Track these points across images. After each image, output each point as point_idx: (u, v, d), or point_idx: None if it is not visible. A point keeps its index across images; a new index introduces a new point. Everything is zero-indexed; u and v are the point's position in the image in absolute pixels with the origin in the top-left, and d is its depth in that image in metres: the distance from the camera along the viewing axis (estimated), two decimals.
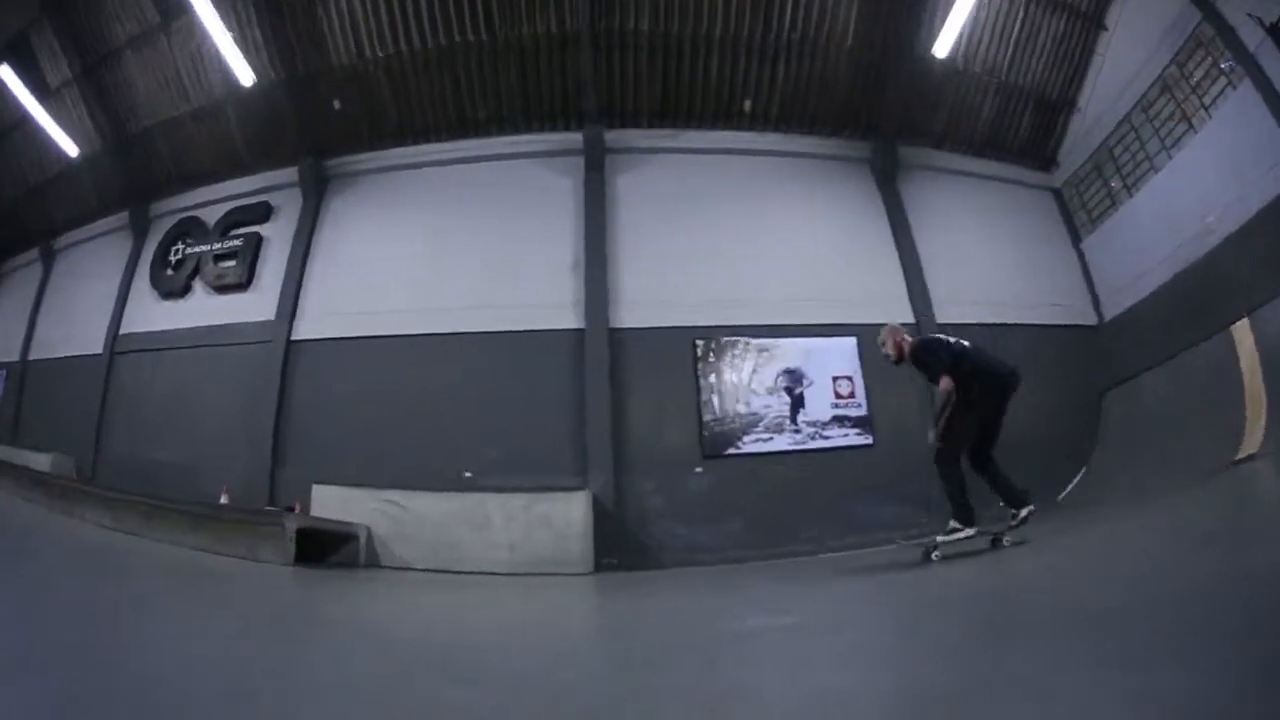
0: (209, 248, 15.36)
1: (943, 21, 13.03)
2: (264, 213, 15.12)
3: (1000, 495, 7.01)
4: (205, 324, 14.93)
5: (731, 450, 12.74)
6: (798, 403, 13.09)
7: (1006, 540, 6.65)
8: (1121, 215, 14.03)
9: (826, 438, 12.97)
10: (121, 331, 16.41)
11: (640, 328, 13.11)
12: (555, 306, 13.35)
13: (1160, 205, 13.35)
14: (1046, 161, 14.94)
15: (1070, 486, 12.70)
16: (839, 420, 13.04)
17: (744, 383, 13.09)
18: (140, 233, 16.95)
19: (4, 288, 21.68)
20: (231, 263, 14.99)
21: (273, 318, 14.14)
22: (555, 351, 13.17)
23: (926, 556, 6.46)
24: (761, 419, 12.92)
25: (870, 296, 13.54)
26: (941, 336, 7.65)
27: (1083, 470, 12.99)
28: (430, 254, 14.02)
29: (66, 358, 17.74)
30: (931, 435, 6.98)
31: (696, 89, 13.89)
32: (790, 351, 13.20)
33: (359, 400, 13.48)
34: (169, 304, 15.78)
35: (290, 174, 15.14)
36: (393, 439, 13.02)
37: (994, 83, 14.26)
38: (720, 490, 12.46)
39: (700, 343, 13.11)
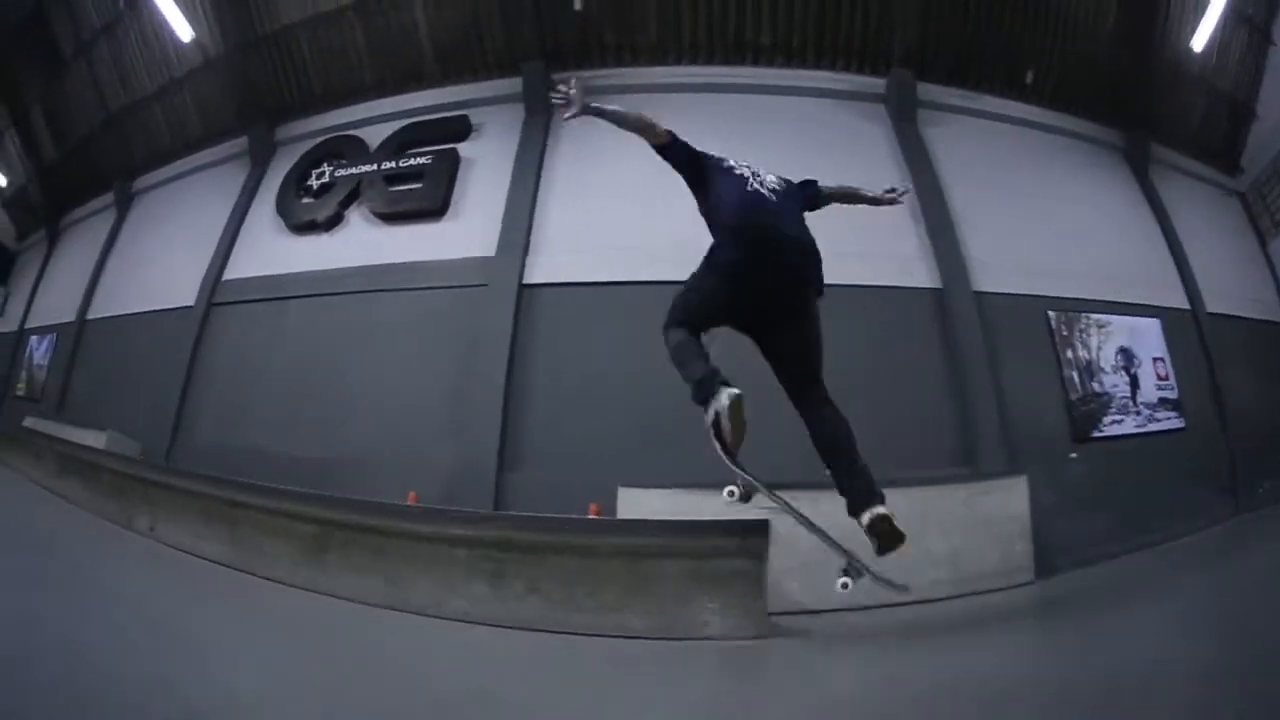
0: (374, 168, 6.65)
1: (1196, 14, 7.30)
2: (461, 129, 6.65)
3: (834, 476, 2.08)
4: (367, 263, 6.31)
5: (1096, 434, 6.22)
6: (1134, 383, 6.70)
7: (846, 580, 2.04)
8: None
9: (1158, 420, 6.68)
10: (226, 277, 7.34)
11: (998, 293, 6.11)
12: (898, 259, 6.06)
13: None
14: (1232, 166, 9.09)
15: None
16: (1163, 402, 6.75)
17: (1095, 360, 6.50)
18: (261, 159, 7.72)
19: (64, 242, 11.72)
20: (414, 184, 6.40)
21: (492, 253, 5.85)
22: (908, 311, 5.93)
23: None
24: (1112, 399, 6.48)
25: (1155, 280, 7.17)
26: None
27: None
28: (673, 188, 6.53)
29: (140, 314, 8.05)
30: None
31: (989, 48, 7.06)
32: (1121, 329, 6.71)
33: (628, 369, 5.27)
34: (306, 240, 6.85)
35: (503, 86, 6.76)
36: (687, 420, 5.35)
37: (1204, 84, 8.39)
38: (1093, 478, 5.79)
39: (1052, 314, 6.37)
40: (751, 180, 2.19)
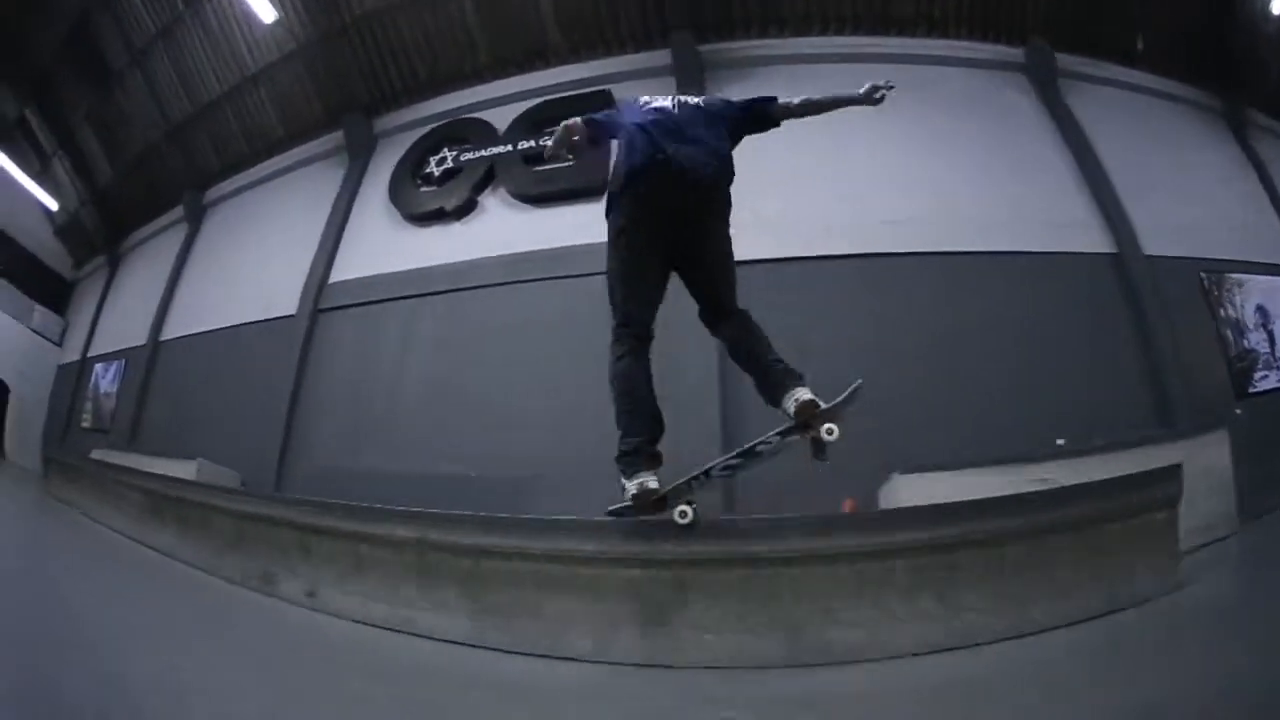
0: (508, 149, 4.86)
1: None
2: (603, 104, 4.16)
3: (755, 379, 1.63)
4: (511, 250, 4.47)
5: (1251, 389, 4.97)
6: (1271, 339, 5.41)
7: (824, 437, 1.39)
8: None
9: None
10: (332, 280, 5.43)
11: (1162, 255, 4.80)
12: (1070, 226, 4.68)
13: None
14: None
15: None
16: None
17: (1241, 318, 5.28)
18: (361, 153, 5.75)
19: (127, 265, 9.10)
20: (563, 163, 4.73)
21: None
22: (1082, 276, 4.54)
23: None
24: (1259, 355, 5.25)
25: (1272, 239, 5.76)
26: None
27: None
28: (867, 159, 4.62)
29: (226, 329, 5.96)
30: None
31: (1106, 15, 5.72)
32: (1255, 287, 5.45)
33: (845, 346, 3.83)
34: (430, 231, 4.94)
35: (638, 60, 5.06)
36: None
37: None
38: (1253, 432, 4.16)
39: (1204, 275, 5.11)
40: (652, 103, 1.72)
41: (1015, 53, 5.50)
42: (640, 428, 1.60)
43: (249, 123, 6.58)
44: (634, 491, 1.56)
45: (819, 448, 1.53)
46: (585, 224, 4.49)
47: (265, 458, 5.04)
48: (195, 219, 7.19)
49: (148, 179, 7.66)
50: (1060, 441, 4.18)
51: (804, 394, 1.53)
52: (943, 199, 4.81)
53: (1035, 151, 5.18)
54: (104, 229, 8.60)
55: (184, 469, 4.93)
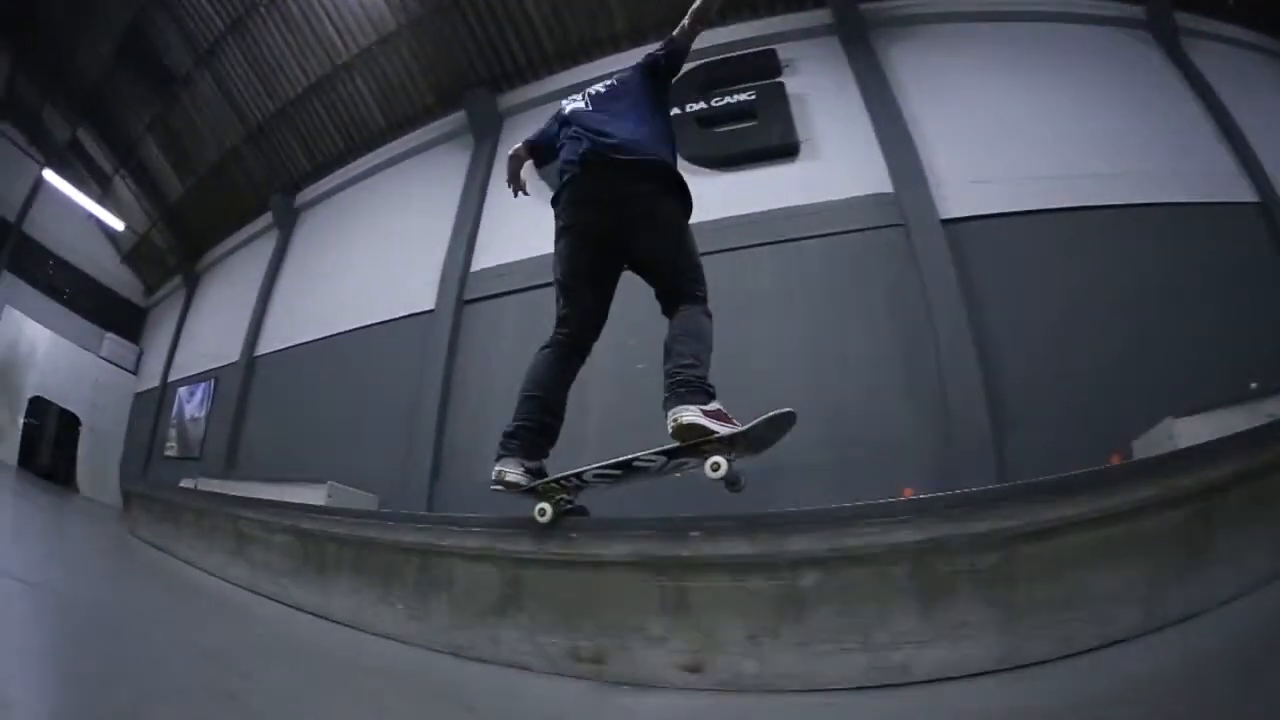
0: (675, 112, 3.02)
1: None
2: (771, 65, 3.74)
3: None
4: (709, 216, 2.76)
5: None
6: None
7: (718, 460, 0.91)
8: None
9: None
10: (475, 267, 4.06)
11: None
12: (1207, 177, 3.69)
13: None
14: None
15: None
16: None
17: None
18: (488, 131, 4.43)
19: (205, 284, 7.26)
20: (745, 123, 3.37)
21: (889, 189, 3.06)
22: (1231, 225, 3.51)
23: None
24: None
25: None
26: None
27: None
28: (1026, 114, 3.56)
29: (342, 335, 4.54)
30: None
31: None
32: None
33: (1095, 302, 2.97)
34: None
35: (802, 20, 3.89)
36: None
37: None
38: None
39: None
40: (572, 103, 1.43)
41: (1137, 9, 4.70)
42: (527, 411, 1.26)
43: (344, 115, 5.22)
44: (493, 474, 1.25)
45: (729, 481, 1.10)
46: (777, 186, 3.41)
47: (409, 475, 3.81)
48: (287, 225, 5.78)
49: (225, 188, 6.17)
50: (1254, 385, 3.46)
51: (685, 415, 1.09)
52: (1102, 153, 3.95)
53: (1169, 106, 4.39)
54: (178, 247, 7.01)
55: (310, 494, 3.61)
